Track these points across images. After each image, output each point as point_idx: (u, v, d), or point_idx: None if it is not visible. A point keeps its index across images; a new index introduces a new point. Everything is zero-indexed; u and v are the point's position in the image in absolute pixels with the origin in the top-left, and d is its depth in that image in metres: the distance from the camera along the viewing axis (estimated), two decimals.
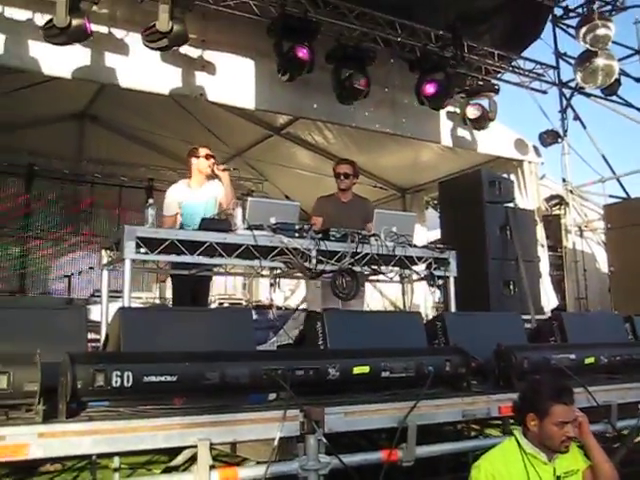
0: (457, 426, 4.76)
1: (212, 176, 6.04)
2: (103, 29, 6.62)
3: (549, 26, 10.48)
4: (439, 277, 5.80)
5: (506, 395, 3.75)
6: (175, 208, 5.93)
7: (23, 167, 12.10)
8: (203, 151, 6.04)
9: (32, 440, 2.62)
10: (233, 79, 7.41)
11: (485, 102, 8.86)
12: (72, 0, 5.81)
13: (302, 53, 6.99)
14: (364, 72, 7.55)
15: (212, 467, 2.84)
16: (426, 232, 11.19)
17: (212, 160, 6.01)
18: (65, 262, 12.52)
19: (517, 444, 3.06)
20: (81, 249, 12.70)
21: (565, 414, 2.96)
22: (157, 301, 11.17)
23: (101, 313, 4.99)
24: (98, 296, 9.77)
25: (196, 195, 5.97)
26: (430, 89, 7.89)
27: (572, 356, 4.26)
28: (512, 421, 3.99)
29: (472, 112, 8.67)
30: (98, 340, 4.82)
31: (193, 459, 3.05)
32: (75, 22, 5.84)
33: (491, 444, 3.32)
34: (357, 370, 3.51)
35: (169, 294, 11.17)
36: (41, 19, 6.05)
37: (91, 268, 11.37)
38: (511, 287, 7.03)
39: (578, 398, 3.62)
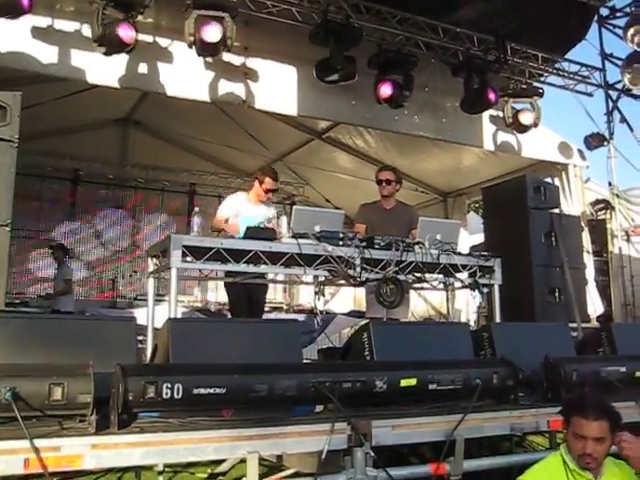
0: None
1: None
2: (148, 38, 6.71)
3: (595, 27, 10.28)
4: (484, 285, 5.75)
5: (555, 409, 3.68)
6: (228, 213, 6.19)
7: (69, 172, 12.33)
8: (267, 183, 6.33)
9: (86, 451, 2.68)
10: (275, 86, 7.45)
11: (529, 106, 8.74)
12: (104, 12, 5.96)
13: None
14: (408, 77, 7.54)
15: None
16: (468, 236, 11.08)
17: (269, 195, 6.43)
18: (110, 265, 12.71)
19: (562, 459, 3.00)
20: (125, 253, 12.88)
21: (582, 428, 2.88)
22: (199, 304, 11.29)
23: (147, 319, 5.07)
24: (142, 299, 9.96)
25: (254, 211, 6.19)
26: (386, 90, 7.63)
27: (622, 369, 4.18)
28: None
29: (526, 119, 8.55)
30: (142, 342, 4.93)
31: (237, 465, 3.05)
32: (109, 33, 5.97)
33: (538, 458, 3.27)
34: (404, 382, 3.50)
35: (211, 297, 11.34)
36: (88, 30, 6.15)
37: (135, 272, 11.54)
38: (557, 295, 6.90)
39: (628, 412, 3.56)
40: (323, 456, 3.00)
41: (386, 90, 7.56)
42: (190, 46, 6.32)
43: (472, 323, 10.12)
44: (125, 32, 6.06)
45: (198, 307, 10.39)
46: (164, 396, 2.89)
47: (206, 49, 6.36)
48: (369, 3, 7.59)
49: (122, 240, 12.95)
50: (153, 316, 4.99)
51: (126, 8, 6.11)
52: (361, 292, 6.72)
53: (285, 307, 11.78)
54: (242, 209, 6.21)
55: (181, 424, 2.95)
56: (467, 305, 10.55)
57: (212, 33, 6.22)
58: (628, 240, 10.37)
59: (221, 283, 7.62)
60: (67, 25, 6.37)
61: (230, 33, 6.27)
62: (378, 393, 3.43)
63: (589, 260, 9.00)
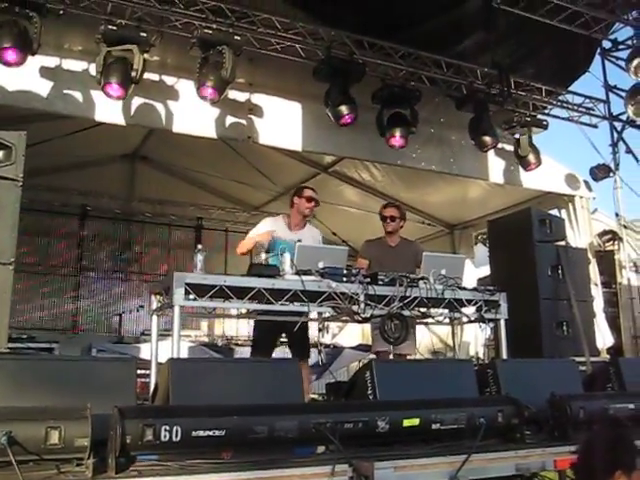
0: None
1: (308, 219, 6.07)
2: (154, 76, 6.81)
3: (598, 59, 10.34)
4: (490, 320, 5.71)
5: (562, 448, 3.63)
6: (266, 233, 5.86)
7: (76, 207, 12.41)
8: (307, 192, 6.04)
9: None
10: (280, 121, 7.52)
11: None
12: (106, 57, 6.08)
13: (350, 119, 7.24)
14: (411, 111, 7.59)
15: None
16: (474, 269, 11.03)
17: (313, 203, 6.00)
18: (116, 300, 12.74)
19: None
20: (132, 287, 12.91)
21: None
22: (206, 338, 11.26)
23: (151, 355, 5.03)
24: (148, 334, 9.94)
25: (292, 235, 5.82)
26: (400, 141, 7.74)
27: (631, 406, 4.12)
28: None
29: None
30: (146, 375, 4.90)
31: None
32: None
33: None
34: (407, 422, 3.46)
35: (218, 331, 11.31)
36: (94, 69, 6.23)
37: (141, 307, 11.54)
38: (564, 328, 6.82)
39: None
40: None
41: (399, 141, 7.67)
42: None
43: (481, 355, 10.03)
44: (113, 91, 6.19)
45: (205, 342, 10.36)
46: (162, 439, 2.85)
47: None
48: (372, 39, 7.66)
49: (129, 275, 12.98)
50: (157, 352, 4.96)
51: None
52: (369, 325, 6.68)
53: None
54: (280, 233, 5.86)
55: (180, 467, 2.90)
56: (475, 338, 10.46)
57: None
58: (637, 271, 10.30)
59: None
60: (74, 64, 6.49)
61: (226, 71, 6.32)
62: (380, 433, 3.39)
63: (598, 292, 8.93)
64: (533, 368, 4.69)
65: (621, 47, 10.05)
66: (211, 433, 2.95)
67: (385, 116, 7.67)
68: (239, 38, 6.63)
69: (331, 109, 7.26)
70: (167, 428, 2.86)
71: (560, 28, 7.63)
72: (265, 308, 5.02)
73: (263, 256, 5.92)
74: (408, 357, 6.16)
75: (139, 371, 3.93)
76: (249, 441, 3.06)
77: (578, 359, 5.90)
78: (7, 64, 5.76)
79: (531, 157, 8.66)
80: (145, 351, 8.15)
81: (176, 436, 2.88)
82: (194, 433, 2.92)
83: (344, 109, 7.24)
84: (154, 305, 5.17)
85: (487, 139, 8.23)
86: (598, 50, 10.00)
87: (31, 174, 4.77)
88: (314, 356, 8.45)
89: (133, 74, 6.10)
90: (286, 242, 5.69)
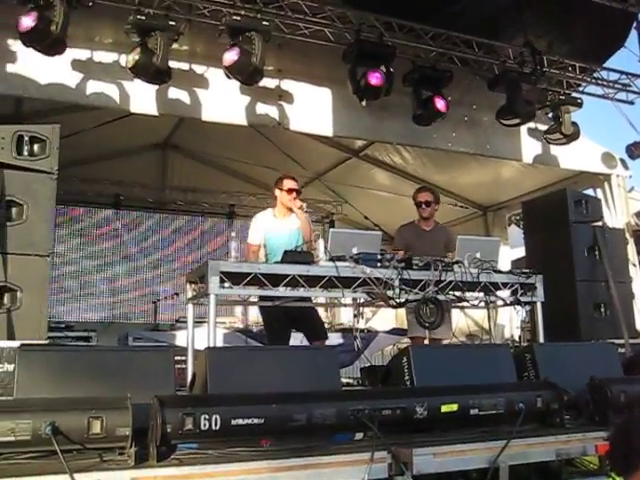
0: None
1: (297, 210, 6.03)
2: (184, 65, 6.82)
3: (634, 33, 10.08)
4: (526, 303, 5.64)
5: (603, 433, 3.59)
6: (260, 238, 6.00)
7: (110, 197, 12.53)
8: (287, 184, 6.07)
9: None
10: (310, 107, 7.47)
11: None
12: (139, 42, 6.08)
13: (375, 79, 6.91)
14: (442, 93, 7.48)
15: None
16: (509, 250, 10.92)
17: (293, 195, 6.02)
18: (151, 288, 12.88)
19: None
20: (166, 276, 13.03)
21: None
22: (240, 325, 11.32)
23: (187, 343, 5.08)
24: (183, 321, 10.03)
25: (281, 226, 5.99)
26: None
27: None
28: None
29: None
30: (183, 362, 4.96)
31: None
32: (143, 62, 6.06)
33: None
34: (445, 408, 3.45)
35: (252, 317, 11.36)
36: (125, 60, 6.26)
37: (176, 294, 11.60)
38: (602, 310, 6.73)
39: None
40: None
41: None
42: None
43: (516, 338, 9.94)
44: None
45: (240, 328, 10.39)
46: (202, 427, 2.89)
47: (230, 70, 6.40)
48: (402, 21, 7.56)
49: (163, 264, 13.11)
50: (193, 341, 5.01)
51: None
52: (403, 309, 6.66)
53: (327, 326, 11.71)
54: (270, 228, 6.01)
55: (220, 455, 2.95)
56: (510, 320, 10.37)
57: (228, 56, 6.28)
58: None
59: None
60: (105, 56, 6.51)
61: (256, 57, 6.28)
62: (419, 420, 3.39)
63: (636, 273, 8.76)
64: (571, 352, 4.64)
65: None
66: (250, 421, 2.98)
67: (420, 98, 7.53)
68: (267, 24, 6.60)
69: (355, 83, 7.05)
70: (206, 417, 2.90)
71: (595, 2, 7.44)
72: (301, 295, 5.03)
73: (262, 255, 6.00)
74: (444, 342, 6.14)
75: (175, 358, 3.96)
76: (288, 429, 3.09)
77: (617, 342, 5.81)
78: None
79: (575, 132, 8.46)
80: (180, 338, 8.23)
81: (215, 425, 2.91)
82: (233, 422, 2.95)
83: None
84: (189, 294, 5.20)
85: (522, 117, 8.07)
86: (634, 24, 9.75)
87: (64, 166, 4.82)
88: (343, 341, 8.51)
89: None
90: (278, 235, 5.89)
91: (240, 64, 6.31)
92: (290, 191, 6.02)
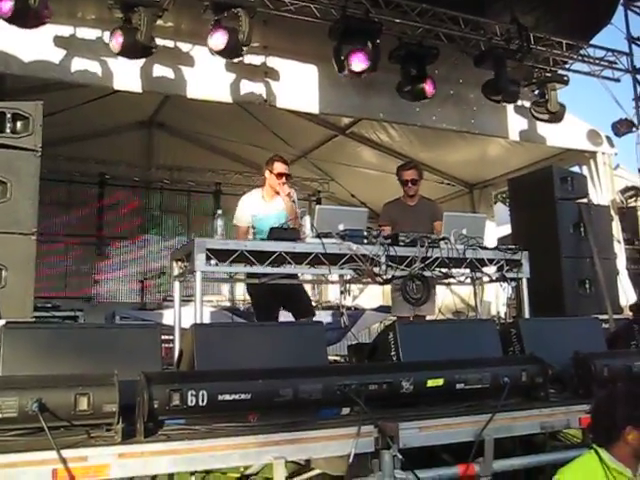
0: None
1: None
2: (169, 43, 6.74)
3: (620, 10, 10.06)
4: (512, 279, 5.68)
5: (586, 406, 3.63)
6: (248, 220, 5.92)
7: (95, 176, 12.44)
8: (277, 167, 5.93)
9: (113, 460, 2.70)
10: (296, 84, 7.42)
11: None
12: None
13: (357, 65, 6.83)
14: (425, 71, 7.46)
15: None
16: (495, 227, 10.97)
17: (283, 179, 5.90)
18: (137, 267, 12.85)
19: (598, 458, 2.93)
20: (152, 254, 13.00)
21: None
22: (227, 303, 11.32)
23: (174, 321, 5.06)
24: (170, 300, 10.03)
25: (268, 207, 5.93)
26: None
27: None
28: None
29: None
30: (170, 341, 4.96)
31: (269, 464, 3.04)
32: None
33: (570, 457, 3.21)
34: (431, 383, 3.48)
35: (239, 295, 11.37)
36: (109, 37, 6.17)
37: (163, 273, 11.60)
38: (587, 286, 6.79)
39: None
40: (350, 460, 2.99)
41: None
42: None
43: (502, 315, 10.02)
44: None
45: (226, 306, 10.40)
46: (189, 403, 2.90)
47: (220, 54, 6.34)
48: None
49: (149, 242, 13.07)
50: (180, 319, 4.98)
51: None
52: (389, 287, 6.68)
53: (314, 304, 11.74)
54: (257, 210, 5.94)
55: (207, 430, 2.96)
56: (497, 297, 10.45)
57: (217, 40, 6.20)
58: None
59: None
60: (89, 33, 6.42)
61: (244, 34, 6.21)
62: (405, 394, 3.41)
63: (620, 249, 8.83)
64: (556, 327, 4.68)
65: None
66: (237, 397, 2.99)
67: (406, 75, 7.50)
68: (253, 0, 6.54)
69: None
70: (193, 393, 2.90)
71: None
72: (287, 271, 5.03)
73: (250, 237, 5.92)
74: (428, 318, 6.16)
75: (163, 337, 3.97)
76: (275, 404, 3.11)
77: (601, 317, 5.87)
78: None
79: (560, 112, 8.45)
80: (167, 317, 8.21)
81: (202, 400, 2.92)
82: (220, 397, 2.96)
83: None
84: (175, 271, 5.18)
85: (506, 96, 8.06)
86: (620, 0, 9.73)
87: (49, 144, 4.77)
88: (330, 318, 8.53)
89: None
90: (266, 216, 5.78)
91: (230, 46, 6.24)
92: (280, 175, 5.90)
